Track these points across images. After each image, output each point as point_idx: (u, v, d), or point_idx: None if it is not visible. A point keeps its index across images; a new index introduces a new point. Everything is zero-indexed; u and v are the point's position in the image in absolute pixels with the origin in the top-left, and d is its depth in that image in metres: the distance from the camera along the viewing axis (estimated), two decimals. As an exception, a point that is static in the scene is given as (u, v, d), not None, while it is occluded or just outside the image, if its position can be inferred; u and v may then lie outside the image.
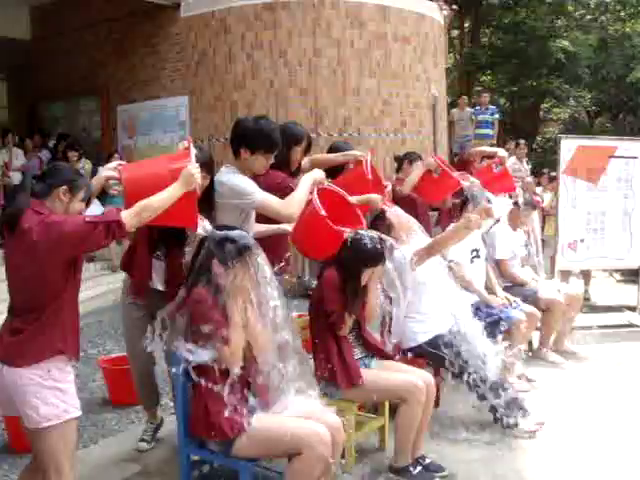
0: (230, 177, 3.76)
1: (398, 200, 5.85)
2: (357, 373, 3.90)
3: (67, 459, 2.95)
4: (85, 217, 2.92)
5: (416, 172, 5.99)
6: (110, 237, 2.87)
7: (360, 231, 3.95)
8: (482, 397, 4.58)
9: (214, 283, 3.24)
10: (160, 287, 3.99)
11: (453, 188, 6.01)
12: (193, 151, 3.24)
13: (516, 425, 4.55)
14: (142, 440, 4.31)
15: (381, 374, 4.01)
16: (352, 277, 3.92)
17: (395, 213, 4.69)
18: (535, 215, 8.26)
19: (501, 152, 7.00)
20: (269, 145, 3.80)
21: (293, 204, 3.75)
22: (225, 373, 3.18)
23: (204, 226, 3.49)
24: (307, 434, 3.05)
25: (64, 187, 3.01)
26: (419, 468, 3.91)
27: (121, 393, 5.01)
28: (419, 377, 3.98)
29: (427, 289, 4.73)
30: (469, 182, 5.91)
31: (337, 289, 3.92)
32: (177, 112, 10.84)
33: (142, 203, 2.96)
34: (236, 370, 3.20)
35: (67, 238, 2.83)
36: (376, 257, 3.93)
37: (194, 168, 3.12)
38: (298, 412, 3.28)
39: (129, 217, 2.91)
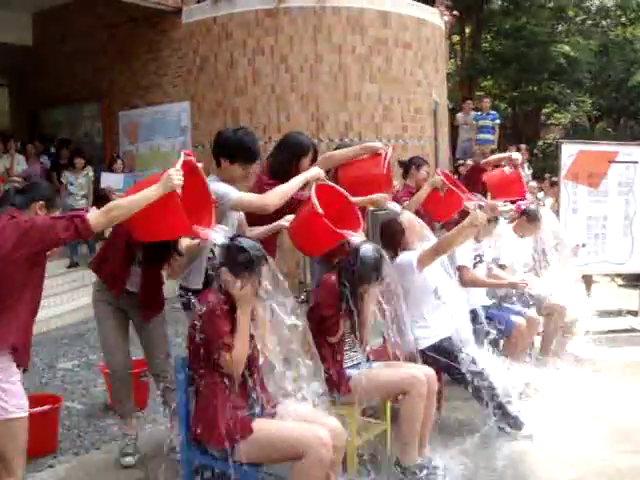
0: (210, 185, 3.74)
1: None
2: (345, 383, 3.94)
3: (15, 457, 3.02)
4: (52, 215, 3.10)
5: (423, 190, 5.93)
6: (72, 231, 2.95)
7: (367, 246, 3.95)
8: (483, 402, 4.59)
9: (223, 290, 3.26)
10: (133, 289, 4.09)
11: (459, 207, 6.01)
12: (182, 158, 3.28)
13: (518, 427, 4.56)
14: (126, 455, 4.19)
15: (382, 371, 4.04)
16: (354, 290, 3.92)
17: (408, 217, 4.72)
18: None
19: (515, 155, 6.79)
20: (247, 156, 3.95)
21: (271, 196, 3.88)
22: (227, 378, 3.18)
23: (221, 231, 3.44)
24: (309, 438, 3.05)
25: (41, 202, 3.24)
26: (425, 471, 3.90)
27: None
28: (420, 370, 4.00)
29: (431, 294, 4.75)
30: (474, 204, 5.93)
31: (335, 295, 3.93)
32: (178, 118, 10.86)
33: (112, 202, 3.07)
34: (237, 376, 3.22)
35: (31, 231, 2.94)
36: (379, 274, 3.94)
37: (174, 171, 3.15)
38: (299, 416, 3.29)
39: (96, 215, 3.01)
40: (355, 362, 4.14)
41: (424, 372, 4.01)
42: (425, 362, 4.45)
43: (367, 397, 4.12)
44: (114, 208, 3.05)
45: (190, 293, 3.92)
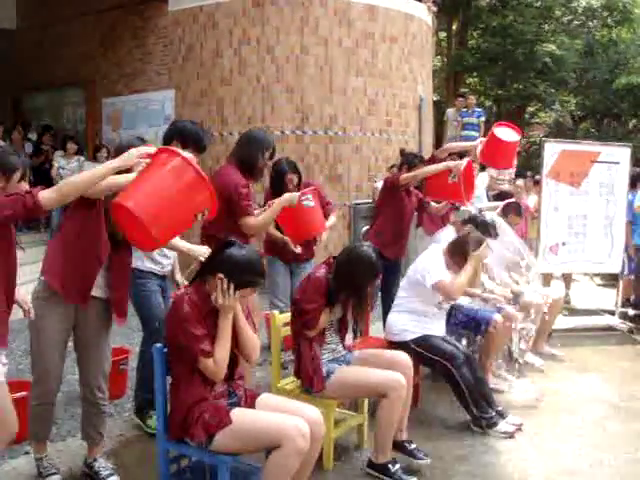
0: None
1: (395, 186, 6.01)
2: (319, 380, 3.95)
3: None
4: (8, 192, 3.01)
5: (440, 166, 5.95)
6: (19, 208, 2.85)
7: (365, 245, 4.09)
8: (462, 397, 4.62)
9: (208, 293, 3.24)
10: (99, 294, 3.64)
11: (457, 201, 6.12)
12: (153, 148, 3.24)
13: (494, 425, 4.59)
14: (49, 475, 3.76)
15: (361, 371, 4.02)
16: (357, 289, 3.95)
17: (485, 253, 4.90)
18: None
19: (470, 158, 6.47)
20: (199, 146, 4.20)
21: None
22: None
23: None
24: (286, 427, 3.05)
25: None
26: (397, 466, 3.92)
27: (116, 386, 4.95)
28: (402, 371, 3.98)
29: (435, 304, 4.82)
30: (469, 207, 6.01)
31: (320, 290, 3.94)
32: (163, 106, 10.79)
33: (65, 179, 3.03)
34: (218, 381, 3.24)
35: None
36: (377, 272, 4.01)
37: (136, 150, 3.12)
38: (278, 407, 3.30)
39: (47, 191, 2.93)
40: (337, 355, 4.15)
41: (404, 371, 4.00)
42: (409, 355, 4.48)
43: (345, 397, 4.14)
44: (65, 184, 2.99)
45: None
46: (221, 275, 3.17)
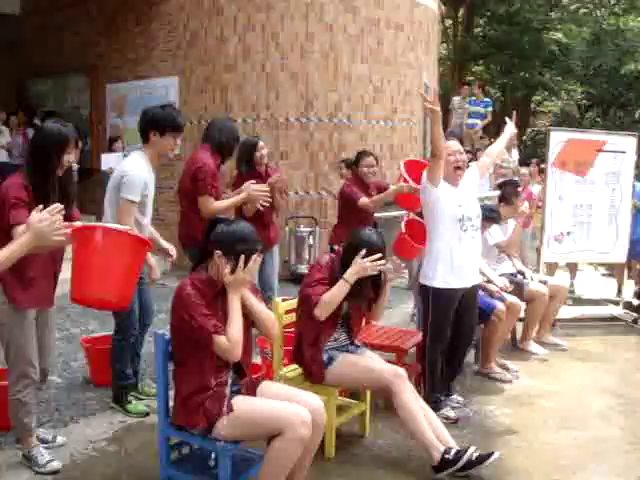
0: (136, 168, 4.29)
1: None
2: (318, 370, 3.95)
3: None
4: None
5: (389, 193, 5.85)
6: None
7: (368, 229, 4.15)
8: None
9: (213, 272, 3.23)
10: None
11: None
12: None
13: (438, 409, 4.53)
14: (48, 463, 3.75)
15: (362, 359, 4.02)
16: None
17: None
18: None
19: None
20: (176, 125, 4.32)
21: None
22: (210, 357, 3.17)
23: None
24: (288, 415, 3.05)
25: None
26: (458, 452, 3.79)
27: (103, 373, 4.97)
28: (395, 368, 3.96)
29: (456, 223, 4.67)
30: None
31: (327, 270, 3.97)
32: (166, 92, 10.73)
33: None
34: (234, 360, 3.19)
35: None
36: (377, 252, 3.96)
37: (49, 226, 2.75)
38: (280, 394, 3.29)
39: None
40: (339, 345, 4.13)
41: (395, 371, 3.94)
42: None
43: (344, 385, 4.12)
44: None
45: None
46: (219, 252, 3.16)
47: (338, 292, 3.83)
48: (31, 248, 2.75)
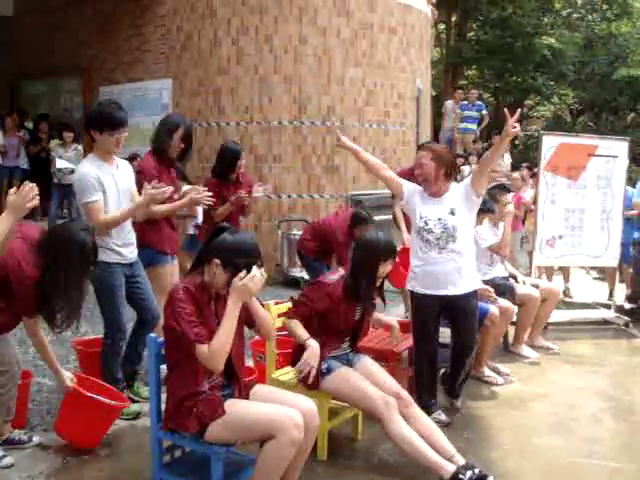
0: (80, 169, 4.34)
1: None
2: (315, 381, 3.93)
3: None
4: None
5: None
6: None
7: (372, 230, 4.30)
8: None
9: (206, 283, 3.23)
10: None
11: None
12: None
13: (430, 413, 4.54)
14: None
15: (359, 380, 3.93)
16: (368, 273, 3.97)
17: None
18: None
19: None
20: (112, 122, 4.26)
21: (106, 223, 4.24)
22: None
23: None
24: (281, 418, 3.05)
25: None
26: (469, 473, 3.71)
27: (94, 375, 4.96)
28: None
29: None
30: None
31: (324, 294, 3.97)
32: (160, 95, 10.73)
33: None
34: (217, 371, 3.19)
35: None
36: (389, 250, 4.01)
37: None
38: (273, 397, 3.29)
39: None
40: (341, 353, 4.14)
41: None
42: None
43: (337, 397, 4.09)
44: None
45: None
46: (217, 261, 3.15)
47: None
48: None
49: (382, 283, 4.11)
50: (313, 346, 3.82)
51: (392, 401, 3.82)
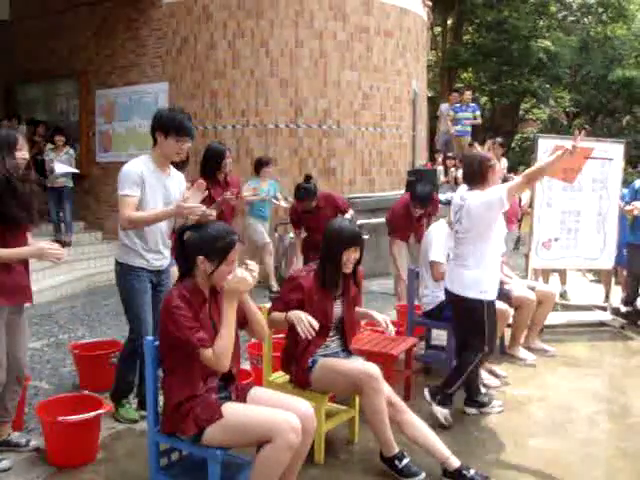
0: (127, 165, 4.27)
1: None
2: (303, 378, 3.97)
3: None
4: None
5: None
6: None
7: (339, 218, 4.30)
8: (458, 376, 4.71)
9: (197, 285, 3.23)
10: None
11: None
12: None
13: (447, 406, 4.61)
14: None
15: (339, 362, 4.02)
16: (332, 259, 4.01)
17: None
18: None
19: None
20: (180, 129, 4.22)
21: (130, 219, 4.14)
22: (200, 366, 3.17)
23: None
24: (278, 421, 3.05)
25: None
26: (405, 460, 3.85)
27: (91, 379, 4.98)
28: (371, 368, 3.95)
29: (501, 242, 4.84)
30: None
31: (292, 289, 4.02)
32: (156, 99, 10.74)
33: None
34: (223, 371, 3.20)
35: None
36: (352, 237, 4.03)
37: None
38: (270, 401, 3.29)
39: None
40: (330, 352, 4.14)
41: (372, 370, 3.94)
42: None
43: (326, 389, 4.10)
44: None
45: None
46: (201, 257, 3.17)
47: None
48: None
49: (355, 272, 4.13)
50: (294, 312, 3.85)
51: (375, 373, 3.86)
